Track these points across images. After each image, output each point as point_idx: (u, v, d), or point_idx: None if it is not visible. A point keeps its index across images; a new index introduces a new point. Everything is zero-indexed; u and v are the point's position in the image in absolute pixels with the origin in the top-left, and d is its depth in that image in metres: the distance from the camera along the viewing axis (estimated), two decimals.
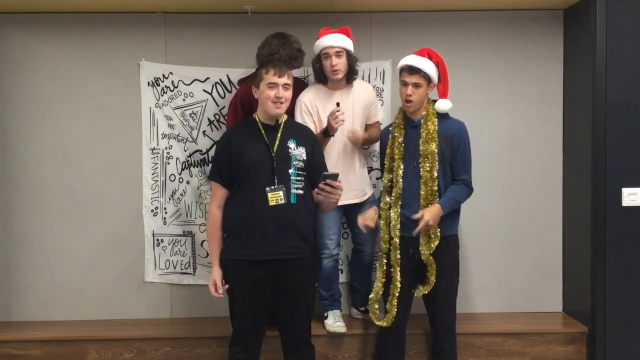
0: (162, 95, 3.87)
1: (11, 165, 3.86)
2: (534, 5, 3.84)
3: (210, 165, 3.85)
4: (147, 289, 3.94)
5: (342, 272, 3.88)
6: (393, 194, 3.20)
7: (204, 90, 3.86)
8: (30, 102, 3.86)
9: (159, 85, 3.86)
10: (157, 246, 3.93)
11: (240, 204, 2.92)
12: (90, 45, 3.85)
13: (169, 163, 3.90)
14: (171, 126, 3.89)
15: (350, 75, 3.47)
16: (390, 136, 3.28)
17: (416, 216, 3.08)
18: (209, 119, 3.88)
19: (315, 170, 3.00)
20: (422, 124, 3.17)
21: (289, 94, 2.96)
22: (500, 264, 3.97)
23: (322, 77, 3.48)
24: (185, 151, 3.90)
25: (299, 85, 3.50)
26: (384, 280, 3.23)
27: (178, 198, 3.91)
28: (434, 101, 3.23)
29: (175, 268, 3.95)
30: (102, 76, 3.87)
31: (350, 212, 3.60)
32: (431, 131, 3.13)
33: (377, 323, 3.24)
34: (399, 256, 3.17)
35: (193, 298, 3.94)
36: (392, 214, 3.19)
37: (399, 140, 3.22)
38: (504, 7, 3.85)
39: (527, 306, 3.97)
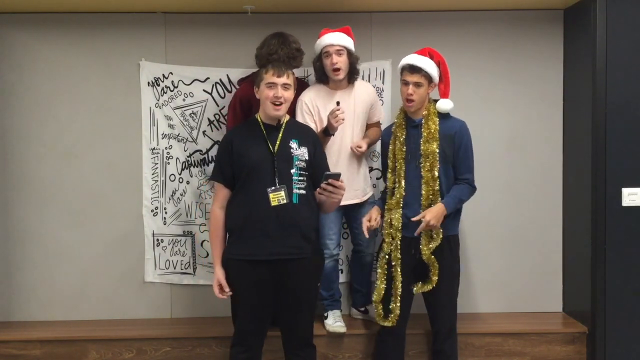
0: (162, 95, 3.87)
1: (11, 165, 3.86)
2: (534, 5, 3.84)
3: (210, 165, 3.86)
4: (147, 289, 3.95)
5: (342, 272, 3.88)
6: (395, 195, 3.20)
7: (204, 90, 3.86)
8: (30, 102, 3.86)
9: (159, 85, 3.86)
10: (157, 246, 3.93)
11: (242, 205, 2.92)
12: (90, 45, 3.85)
13: (169, 163, 3.90)
14: (171, 126, 3.89)
15: (352, 75, 3.47)
16: (391, 136, 3.28)
17: (416, 218, 3.08)
18: (209, 119, 3.88)
19: (318, 170, 3.00)
20: (423, 123, 3.17)
21: (288, 94, 2.96)
22: (500, 264, 3.97)
23: (323, 77, 3.47)
24: (185, 151, 3.90)
25: (300, 85, 3.50)
26: (385, 280, 3.23)
27: (178, 198, 3.91)
28: (435, 101, 3.23)
29: (175, 268, 3.95)
30: (102, 76, 3.87)
31: (351, 212, 3.60)
32: (432, 131, 3.13)
33: (382, 323, 3.24)
34: (399, 256, 3.17)
35: (193, 298, 3.95)
36: (393, 214, 3.19)
37: (401, 140, 3.22)
38: (504, 7, 3.85)
39: (527, 306, 3.97)
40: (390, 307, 3.20)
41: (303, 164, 2.96)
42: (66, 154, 3.88)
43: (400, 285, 3.17)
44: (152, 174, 3.90)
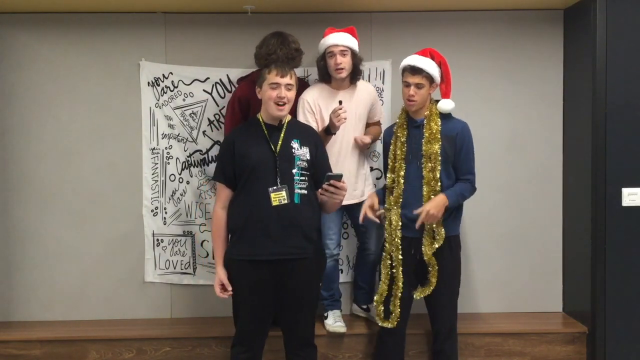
0: (162, 95, 3.87)
1: (11, 166, 3.86)
2: (534, 5, 3.84)
3: (210, 165, 3.86)
4: (147, 289, 3.95)
5: (341, 272, 3.88)
6: (394, 194, 3.20)
7: (204, 90, 3.86)
8: (30, 102, 3.86)
9: (159, 85, 3.86)
10: (157, 246, 3.93)
11: (243, 205, 2.92)
12: (90, 45, 3.85)
13: (169, 163, 3.90)
14: (171, 126, 3.89)
15: (355, 75, 3.48)
16: (393, 136, 3.28)
17: (417, 211, 3.07)
18: (209, 119, 3.88)
19: (319, 170, 3.00)
20: (424, 124, 3.17)
21: (291, 94, 2.96)
22: (500, 264, 3.97)
23: (326, 76, 3.48)
24: (185, 151, 3.90)
25: (300, 85, 3.50)
26: (387, 281, 3.23)
27: (178, 198, 3.91)
28: (437, 101, 3.23)
29: (175, 268, 3.95)
30: (102, 76, 3.87)
31: (352, 212, 3.61)
32: (434, 131, 3.13)
33: (382, 324, 3.23)
34: (400, 257, 3.17)
35: (193, 298, 3.94)
36: (392, 214, 3.19)
37: (402, 140, 3.22)
38: (504, 7, 3.85)
39: (527, 306, 3.97)
40: (390, 308, 3.19)
41: (304, 163, 2.96)
42: (66, 154, 3.88)
43: (401, 285, 3.17)
44: (152, 174, 3.90)
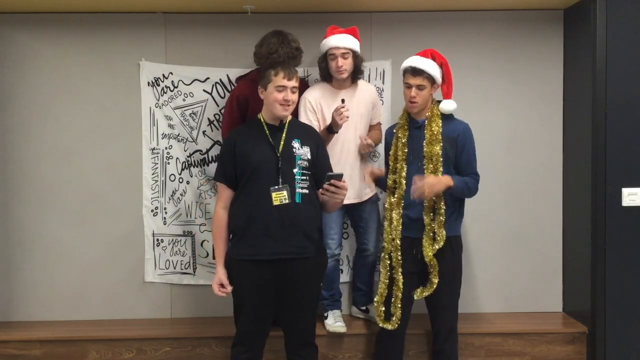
0: (162, 95, 3.87)
1: (11, 166, 3.86)
2: (534, 5, 3.84)
3: (210, 165, 3.86)
4: (147, 289, 3.95)
5: (342, 272, 3.88)
6: (395, 195, 3.20)
7: (204, 90, 3.86)
8: (31, 102, 3.86)
9: (159, 85, 3.86)
10: (157, 246, 3.93)
11: (245, 205, 2.93)
12: (90, 45, 3.85)
13: (169, 163, 3.90)
14: (171, 126, 3.89)
15: (356, 74, 3.48)
16: (394, 137, 3.28)
17: (419, 183, 3.04)
18: (209, 119, 3.88)
19: (320, 170, 3.00)
20: (426, 125, 3.17)
21: (295, 97, 2.98)
22: (500, 264, 3.97)
23: (327, 76, 3.49)
24: (185, 151, 3.90)
25: (301, 85, 3.50)
26: (387, 282, 3.23)
27: (178, 198, 3.91)
28: (439, 102, 3.23)
29: (175, 268, 3.95)
30: (102, 76, 3.87)
31: (353, 211, 3.61)
32: (435, 132, 3.13)
33: (383, 326, 3.23)
34: (400, 257, 3.17)
35: (193, 298, 3.94)
36: (394, 214, 3.19)
37: (403, 141, 3.21)
38: (504, 7, 3.85)
39: (527, 306, 3.97)
40: (391, 310, 3.19)
41: (305, 163, 2.97)
42: (66, 154, 3.88)
43: (401, 286, 3.16)
44: (152, 174, 3.90)
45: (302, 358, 3.06)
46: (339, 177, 2.89)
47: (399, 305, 3.18)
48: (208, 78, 3.86)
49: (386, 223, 3.26)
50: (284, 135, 2.99)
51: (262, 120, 3.03)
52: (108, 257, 3.91)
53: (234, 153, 2.96)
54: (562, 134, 3.94)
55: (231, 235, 3.02)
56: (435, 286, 3.15)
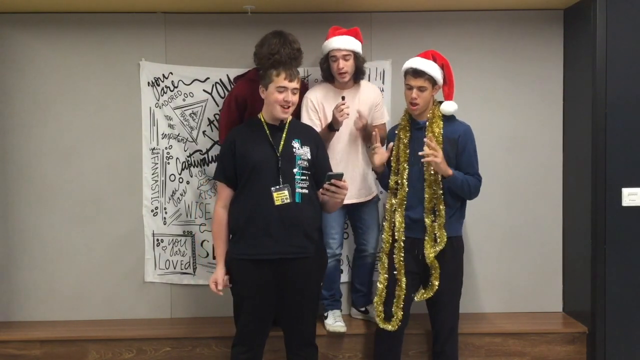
0: (162, 95, 3.87)
1: (11, 166, 3.86)
2: (534, 5, 3.84)
3: (210, 165, 3.86)
4: (147, 289, 3.94)
5: (342, 272, 3.87)
6: (398, 196, 3.20)
7: (204, 90, 3.86)
8: (30, 102, 3.85)
9: (159, 85, 3.86)
10: (157, 246, 3.93)
11: (245, 204, 2.93)
12: (90, 45, 3.85)
13: (169, 163, 3.90)
14: (171, 126, 3.89)
15: (358, 75, 3.48)
16: (395, 138, 3.28)
17: (428, 142, 3.03)
18: (209, 119, 3.88)
19: (320, 170, 3.01)
20: (427, 126, 3.17)
21: (296, 98, 2.98)
22: (500, 264, 3.97)
23: (329, 77, 3.50)
24: (185, 151, 3.90)
25: (301, 87, 3.50)
26: (386, 283, 3.23)
27: (178, 198, 3.91)
28: (440, 103, 3.22)
29: (175, 268, 3.95)
30: (102, 76, 3.87)
31: (354, 211, 3.61)
32: (436, 134, 3.13)
33: (384, 327, 3.23)
34: (403, 259, 3.17)
35: (193, 298, 3.94)
36: (397, 216, 3.19)
37: (404, 142, 3.21)
38: (504, 7, 3.85)
39: (527, 306, 3.97)
40: (392, 310, 3.19)
41: (305, 163, 2.97)
42: (66, 154, 3.88)
43: (404, 287, 3.16)
44: (152, 174, 3.90)
45: (302, 358, 3.06)
46: (339, 176, 2.89)
47: (401, 306, 3.17)
48: (208, 78, 3.86)
49: (386, 224, 3.26)
50: (284, 135, 2.99)
51: (262, 120, 3.03)
52: (108, 257, 3.91)
53: (234, 152, 2.96)
54: (562, 134, 3.94)
55: (231, 235, 3.02)
56: (436, 288, 3.15)
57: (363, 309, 3.77)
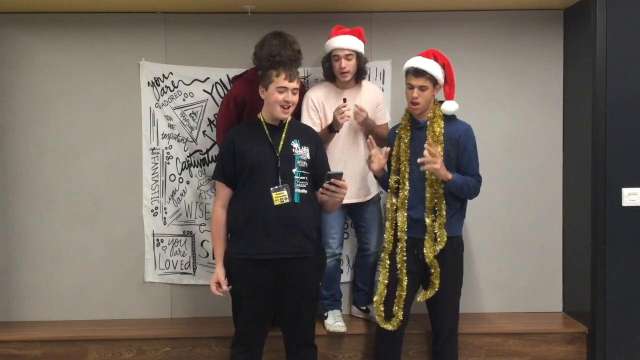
0: (162, 95, 3.87)
1: (11, 166, 3.86)
2: (534, 5, 3.84)
3: (210, 165, 3.86)
4: (147, 289, 3.95)
5: (342, 272, 3.87)
6: (399, 196, 3.20)
7: (204, 90, 3.86)
8: (30, 102, 3.86)
9: (159, 85, 3.86)
10: (157, 246, 3.93)
11: (244, 204, 2.93)
12: (90, 45, 3.85)
13: (169, 163, 3.90)
14: (171, 126, 3.89)
15: (359, 75, 3.48)
16: (396, 137, 3.28)
17: (428, 147, 3.03)
18: (209, 119, 3.88)
19: (319, 171, 3.01)
20: (428, 125, 3.17)
21: (296, 98, 2.98)
22: (500, 264, 3.97)
23: (331, 76, 3.50)
24: (185, 151, 3.90)
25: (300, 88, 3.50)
26: (387, 282, 3.22)
27: (178, 198, 3.91)
28: (441, 102, 3.22)
29: (175, 268, 3.95)
30: (102, 76, 3.87)
31: (354, 211, 3.61)
32: (437, 133, 3.13)
33: (384, 326, 3.22)
34: (405, 259, 3.17)
35: (193, 298, 3.94)
36: (398, 216, 3.19)
37: (405, 141, 3.21)
38: (504, 7, 3.85)
39: (527, 306, 3.97)
40: (393, 310, 3.19)
41: (305, 163, 2.97)
42: (66, 154, 3.88)
43: (405, 287, 3.16)
44: (152, 174, 3.90)
45: (302, 358, 3.06)
46: (339, 175, 2.89)
47: (402, 306, 3.17)
48: (208, 78, 3.86)
49: (387, 223, 3.26)
50: (283, 135, 2.99)
51: (262, 120, 3.03)
52: (108, 257, 3.91)
53: (234, 152, 2.96)
54: (562, 134, 3.94)
55: (229, 235, 3.02)
56: (436, 288, 3.15)
57: (364, 307, 3.77)
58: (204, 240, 3.90)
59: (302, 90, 3.55)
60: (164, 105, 3.87)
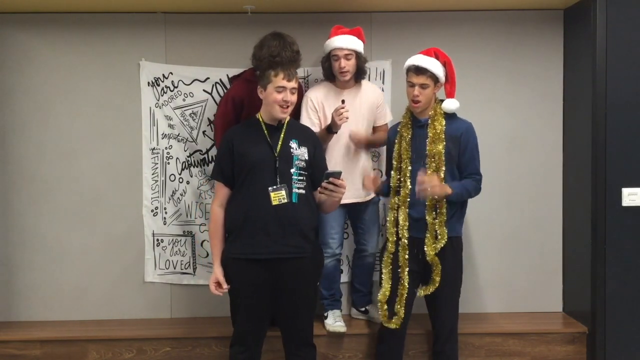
0: (162, 95, 3.87)
1: (11, 166, 3.86)
2: (534, 5, 3.84)
3: (210, 165, 3.86)
4: (147, 289, 3.95)
5: (341, 272, 3.87)
6: (401, 194, 3.20)
7: (204, 90, 3.86)
8: (30, 102, 3.86)
9: (159, 85, 3.86)
10: (157, 246, 3.93)
11: (242, 203, 2.93)
12: (90, 45, 3.85)
13: (169, 163, 3.90)
14: (171, 126, 3.89)
15: (359, 75, 3.48)
16: (397, 136, 3.28)
17: (421, 176, 3.05)
18: (209, 119, 3.88)
19: (317, 171, 3.02)
20: (429, 124, 3.17)
21: (295, 98, 2.99)
22: (500, 264, 3.97)
23: (330, 76, 3.50)
24: (185, 151, 3.90)
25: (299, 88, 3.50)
26: (390, 281, 3.22)
27: (178, 198, 3.91)
28: (442, 100, 3.22)
29: (175, 268, 3.95)
30: (102, 76, 3.87)
31: (354, 212, 3.61)
32: (438, 131, 3.13)
33: (387, 325, 3.22)
34: (407, 257, 3.17)
35: (193, 298, 3.94)
36: (400, 214, 3.19)
37: (407, 140, 3.21)
38: (504, 7, 3.85)
39: (527, 306, 3.97)
40: (395, 309, 3.19)
41: (303, 163, 2.97)
42: (66, 154, 3.88)
43: (407, 286, 3.16)
44: (152, 174, 3.90)
45: (301, 358, 3.06)
46: (337, 174, 2.89)
47: (404, 304, 3.17)
48: (208, 78, 3.86)
49: (389, 223, 3.26)
50: (282, 135, 2.99)
51: (260, 120, 3.03)
52: (108, 257, 3.91)
53: (232, 152, 2.97)
54: (562, 134, 3.94)
55: (227, 234, 3.02)
56: (438, 284, 3.15)
57: (363, 309, 3.77)
58: (203, 240, 3.90)
59: (301, 91, 3.55)
60: (164, 105, 3.87)
